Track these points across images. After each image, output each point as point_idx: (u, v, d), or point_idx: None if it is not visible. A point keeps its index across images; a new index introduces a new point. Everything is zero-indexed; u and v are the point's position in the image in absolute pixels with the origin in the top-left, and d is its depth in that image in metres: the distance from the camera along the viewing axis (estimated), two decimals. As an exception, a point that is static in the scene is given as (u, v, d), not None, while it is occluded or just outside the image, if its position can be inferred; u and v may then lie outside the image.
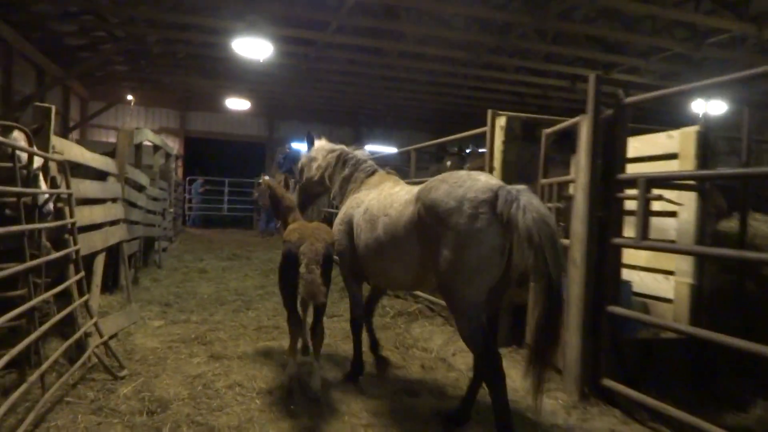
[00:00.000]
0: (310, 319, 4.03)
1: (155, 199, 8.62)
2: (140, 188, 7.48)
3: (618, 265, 3.43)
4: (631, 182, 3.25)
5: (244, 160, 20.35)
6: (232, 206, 19.49)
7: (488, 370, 2.87)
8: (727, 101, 11.74)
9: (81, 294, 3.92)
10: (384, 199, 3.53)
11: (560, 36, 11.26)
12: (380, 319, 5.88)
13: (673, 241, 3.90)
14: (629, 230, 3.61)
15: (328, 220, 4.09)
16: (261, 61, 10.79)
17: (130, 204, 6.70)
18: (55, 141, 3.98)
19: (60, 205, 3.87)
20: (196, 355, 4.37)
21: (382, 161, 12.48)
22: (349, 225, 3.77)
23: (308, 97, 17.52)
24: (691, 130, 3.74)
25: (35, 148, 3.45)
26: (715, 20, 9.61)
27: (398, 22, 10.28)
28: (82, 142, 14.44)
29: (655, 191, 3.23)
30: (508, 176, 4.29)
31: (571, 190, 4.53)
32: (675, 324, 3.46)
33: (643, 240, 3.01)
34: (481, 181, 2.87)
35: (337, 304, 6.40)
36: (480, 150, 12.14)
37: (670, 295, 3.95)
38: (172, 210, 11.10)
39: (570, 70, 12.92)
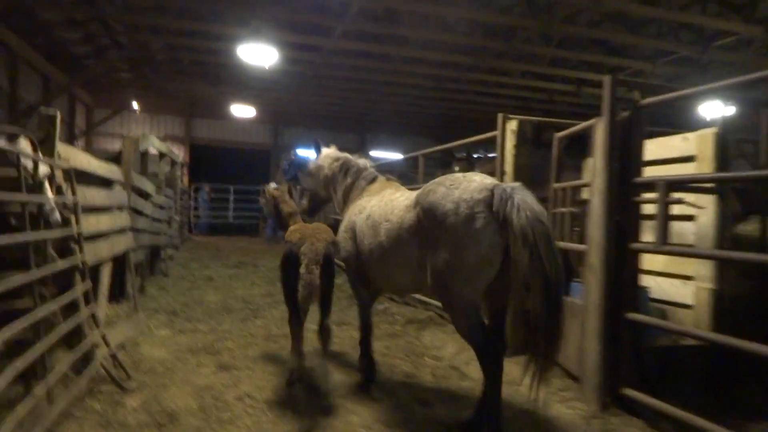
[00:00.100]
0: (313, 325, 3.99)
1: (161, 206, 8.58)
2: (146, 196, 7.43)
3: (637, 270, 3.35)
4: (649, 185, 3.17)
5: (249, 167, 20.32)
6: (238, 213, 19.45)
7: (488, 362, 2.94)
8: (739, 104, 11.63)
9: (88, 304, 3.86)
10: (385, 205, 3.59)
11: (565, 40, 11.21)
12: (390, 326, 5.80)
13: (691, 246, 3.81)
14: (645, 235, 3.53)
15: (334, 227, 4.09)
16: (267, 67, 10.77)
17: (136, 212, 6.64)
18: (61, 148, 3.93)
19: (66, 213, 3.82)
20: (205, 365, 4.30)
21: (388, 167, 12.46)
22: (353, 231, 3.82)
23: (313, 104, 17.53)
24: (709, 133, 3.66)
25: (40, 156, 3.40)
26: (722, 23, 9.54)
27: (403, 27, 10.25)
28: (87, 150, 14.44)
29: (673, 195, 3.14)
30: (521, 181, 4.21)
31: (584, 194, 4.47)
32: (697, 330, 3.36)
33: (664, 245, 2.92)
34: (476, 182, 2.93)
35: (346, 311, 6.33)
36: (489, 155, 12.08)
37: (690, 300, 3.85)
38: (177, 218, 11.06)
39: (575, 75, 12.88)
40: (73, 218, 3.85)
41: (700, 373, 3.44)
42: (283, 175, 15.12)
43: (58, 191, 3.80)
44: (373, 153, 19.64)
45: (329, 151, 4.51)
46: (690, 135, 3.89)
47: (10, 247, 3.03)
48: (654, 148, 4.18)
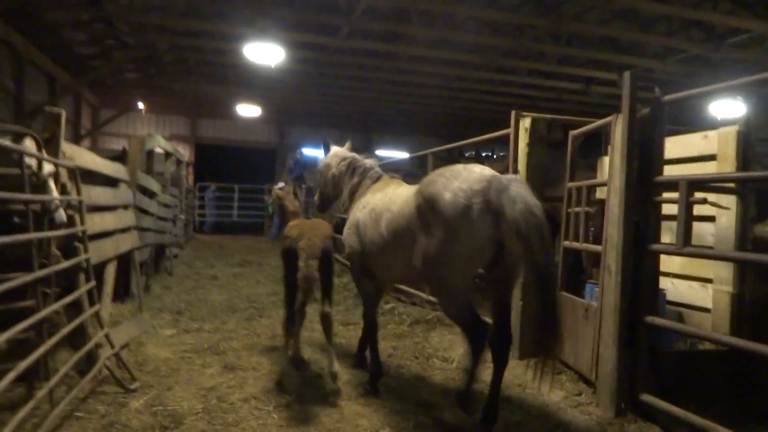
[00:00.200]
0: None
1: (166, 205, 8.54)
2: (151, 195, 7.39)
3: (656, 272, 3.24)
4: (670, 185, 3.06)
5: (255, 166, 20.29)
6: (243, 212, 19.41)
7: (474, 338, 3.03)
8: (752, 102, 11.43)
9: (92, 304, 3.79)
10: (388, 198, 3.69)
11: (574, 38, 11.09)
12: (397, 327, 5.72)
13: (710, 247, 3.69)
14: (662, 236, 3.43)
15: (340, 226, 4.12)
16: (273, 66, 10.71)
17: (141, 211, 6.60)
18: (66, 147, 3.88)
19: (70, 212, 3.76)
20: (210, 366, 4.23)
21: (395, 166, 12.39)
22: (357, 227, 3.88)
23: (319, 103, 17.46)
24: (731, 131, 3.54)
25: (45, 154, 3.34)
26: (733, 20, 9.39)
27: (409, 26, 10.16)
28: (93, 149, 14.43)
29: (697, 194, 3.02)
30: (534, 180, 4.13)
31: (598, 193, 4.37)
32: (718, 335, 3.25)
33: (686, 246, 2.82)
34: (476, 173, 2.99)
35: (352, 311, 6.25)
36: (499, 154, 11.95)
37: (708, 304, 3.75)
38: (182, 216, 11.02)
39: (583, 73, 12.74)
40: (77, 217, 3.79)
41: (718, 379, 3.33)
42: (288, 174, 15.08)
43: (63, 190, 3.74)
44: (379, 152, 19.56)
45: (337, 150, 4.57)
46: (710, 133, 3.77)
47: (13, 246, 2.97)
48: (671, 146, 4.07)
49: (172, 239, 9.05)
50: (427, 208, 3.02)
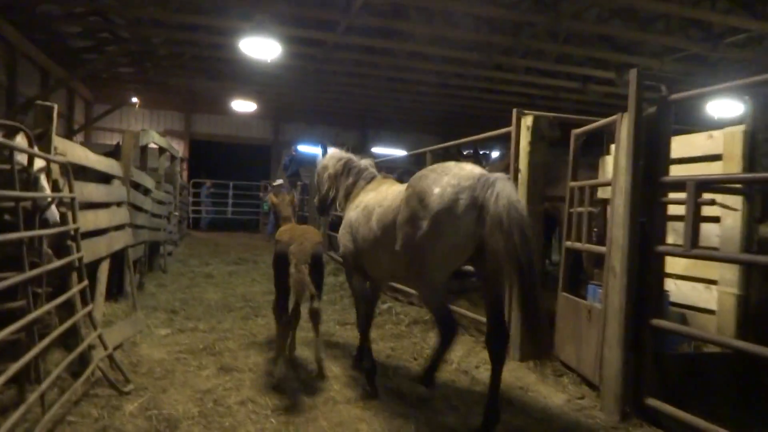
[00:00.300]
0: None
1: (160, 202, 8.42)
2: (145, 191, 7.27)
3: (661, 274, 3.19)
4: (677, 185, 3.00)
5: (250, 162, 20.15)
6: (237, 209, 19.28)
7: (446, 329, 3.18)
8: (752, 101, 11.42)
9: (84, 304, 3.70)
10: (380, 195, 3.80)
11: (572, 36, 11.03)
12: (395, 327, 5.66)
13: (715, 248, 3.64)
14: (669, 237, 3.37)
15: (336, 223, 4.17)
16: (269, 61, 10.60)
17: (135, 208, 6.49)
18: (58, 142, 3.78)
19: (62, 209, 3.66)
20: (205, 367, 4.15)
21: (393, 164, 12.30)
22: (350, 226, 3.99)
23: (315, 99, 17.32)
24: (737, 130, 3.49)
25: (36, 149, 3.24)
26: (732, 19, 9.36)
27: (408, 22, 10.07)
28: (86, 144, 14.23)
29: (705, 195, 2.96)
30: (536, 180, 4.07)
31: (600, 193, 4.31)
32: (727, 338, 3.20)
33: (694, 248, 2.76)
34: (466, 170, 3.09)
35: (349, 311, 6.19)
36: (494, 153, 11.88)
37: (712, 305, 3.69)
38: (177, 213, 10.91)
39: (581, 71, 12.69)
40: (69, 214, 3.69)
41: (725, 383, 3.28)
42: (283, 170, 14.98)
43: (55, 186, 3.64)
44: (375, 149, 19.49)
45: (334, 151, 4.68)
46: (716, 132, 3.72)
47: (3, 245, 2.88)
48: (675, 146, 4.02)
49: (166, 236, 8.94)
50: (417, 201, 3.11)
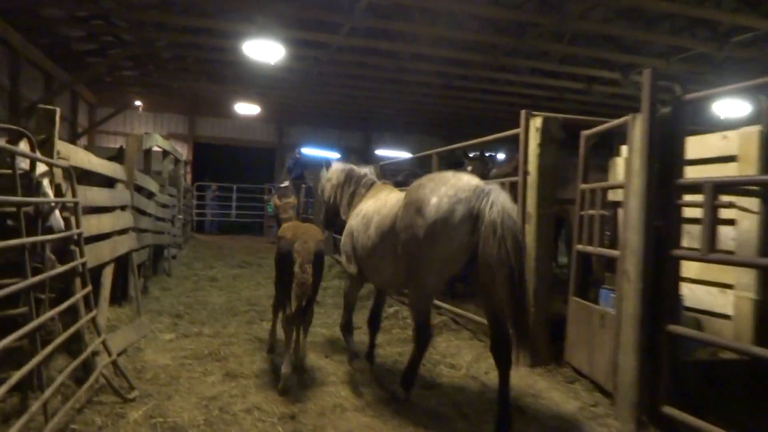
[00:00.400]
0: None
1: (164, 205, 8.39)
2: (149, 195, 7.23)
3: (677, 279, 3.11)
4: (693, 188, 2.93)
5: (254, 165, 20.09)
6: (241, 212, 19.24)
7: (422, 337, 3.48)
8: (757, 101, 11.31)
9: (88, 309, 3.65)
10: (378, 202, 3.90)
11: (577, 37, 10.95)
12: (402, 331, 5.59)
13: (731, 252, 3.56)
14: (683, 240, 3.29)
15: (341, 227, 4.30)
16: (272, 64, 10.56)
17: (139, 211, 6.45)
18: (61, 146, 3.73)
19: (65, 214, 3.61)
20: (211, 374, 4.09)
21: (397, 166, 12.19)
22: (351, 235, 4.09)
23: (318, 102, 17.28)
24: (753, 131, 3.41)
25: (38, 154, 3.19)
26: (738, 18, 9.27)
27: (411, 23, 10.01)
28: (90, 148, 14.23)
29: (722, 197, 2.89)
30: (546, 182, 4.00)
31: (611, 195, 4.24)
32: (747, 345, 3.11)
33: (711, 252, 2.69)
34: (463, 180, 3.19)
35: (355, 315, 6.10)
36: (500, 155, 11.79)
37: (728, 310, 3.61)
38: (181, 216, 10.87)
39: (586, 72, 12.62)
40: (73, 219, 3.64)
41: (743, 390, 3.20)
42: (288, 173, 14.93)
43: (58, 191, 3.59)
44: (379, 152, 19.43)
45: (337, 164, 4.83)
46: (730, 133, 3.64)
47: (5, 251, 2.83)
48: (688, 147, 3.94)
49: (170, 240, 8.90)
50: (414, 210, 3.20)
